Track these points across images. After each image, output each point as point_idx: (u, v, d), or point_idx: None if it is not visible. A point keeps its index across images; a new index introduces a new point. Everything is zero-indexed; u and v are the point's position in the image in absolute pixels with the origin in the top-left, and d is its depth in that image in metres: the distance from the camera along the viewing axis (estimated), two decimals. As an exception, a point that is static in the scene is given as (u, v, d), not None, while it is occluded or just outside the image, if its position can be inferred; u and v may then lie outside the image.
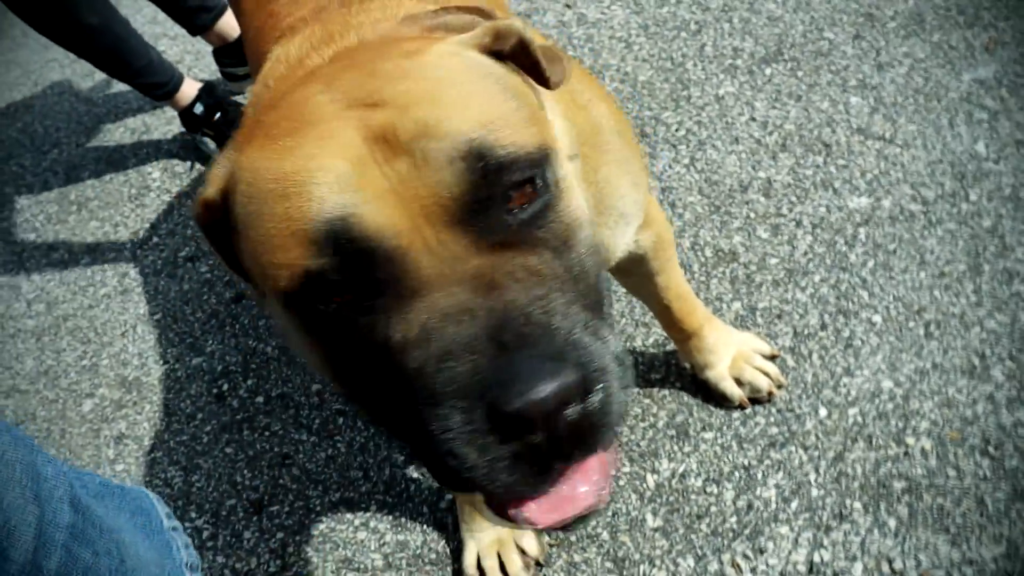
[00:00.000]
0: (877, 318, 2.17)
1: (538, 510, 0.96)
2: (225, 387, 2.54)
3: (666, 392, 2.17)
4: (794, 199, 2.44)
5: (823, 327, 2.18)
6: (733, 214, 2.45)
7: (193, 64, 3.76)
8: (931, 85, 2.57)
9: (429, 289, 0.92)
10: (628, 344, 2.27)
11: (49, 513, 1.55)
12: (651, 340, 2.26)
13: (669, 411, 2.14)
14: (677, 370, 2.19)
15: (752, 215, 2.44)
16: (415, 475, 2.21)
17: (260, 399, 2.48)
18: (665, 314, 2.02)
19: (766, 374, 2.10)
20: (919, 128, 2.48)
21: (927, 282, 2.19)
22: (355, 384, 1.02)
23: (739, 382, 2.11)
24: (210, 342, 2.66)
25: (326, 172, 0.93)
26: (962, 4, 2.75)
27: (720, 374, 2.11)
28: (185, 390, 2.58)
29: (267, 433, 2.40)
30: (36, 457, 1.57)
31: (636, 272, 1.87)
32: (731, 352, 2.11)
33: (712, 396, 2.14)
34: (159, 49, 3.75)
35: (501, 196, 0.96)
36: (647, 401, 2.17)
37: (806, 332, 2.18)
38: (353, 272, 0.93)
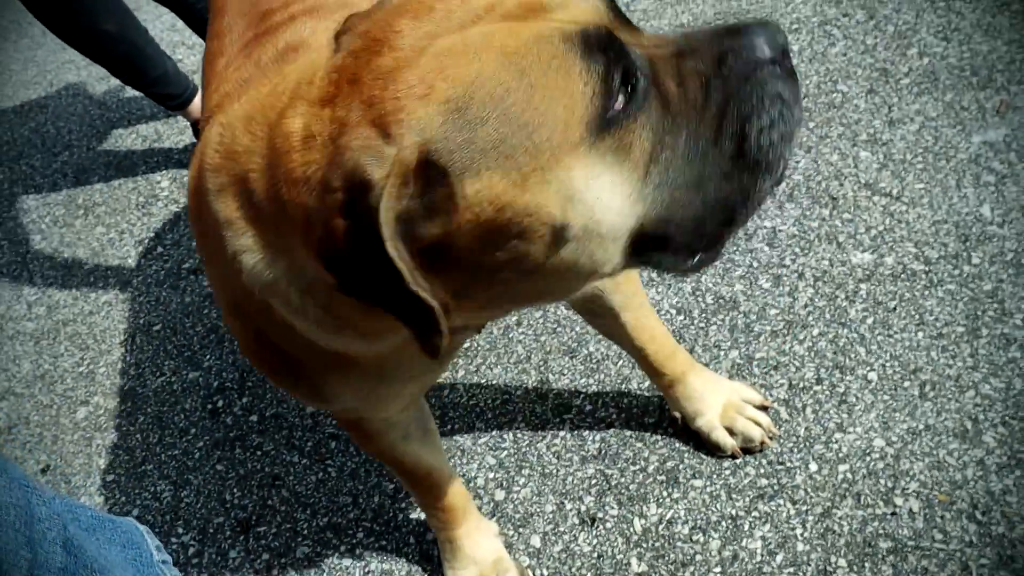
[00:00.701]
0: (873, 375, 2.17)
1: None
2: (220, 403, 2.55)
3: (658, 437, 2.17)
4: (798, 250, 2.45)
5: (819, 381, 2.19)
6: (736, 262, 2.46)
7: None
8: (941, 144, 2.58)
9: (658, 57, 1.11)
10: (623, 386, 2.28)
11: (42, 556, 1.55)
12: (646, 384, 2.27)
13: (660, 456, 2.14)
14: (671, 415, 2.20)
15: (755, 264, 2.45)
16: (403, 504, 2.22)
17: (254, 418, 2.49)
18: (642, 358, 2.02)
19: (758, 424, 2.10)
20: (926, 187, 2.49)
21: (925, 342, 2.19)
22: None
23: (731, 431, 2.10)
24: (208, 357, 2.67)
25: (546, 30, 1.03)
26: (976, 65, 2.76)
27: (711, 423, 2.10)
28: (180, 404, 2.58)
29: (259, 453, 2.41)
30: (31, 497, 1.57)
31: (600, 311, 1.87)
32: (720, 400, 2.10)
33: (703, 445, 2.14)
34: (176, 57, 3.79)
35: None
36: (639, 445, 2.17)
37: (801, 385, 2.19)
38: (615, 61, 1.04)
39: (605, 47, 1.03)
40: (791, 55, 1.13)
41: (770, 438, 2.10)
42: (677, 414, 2.17)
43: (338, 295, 1.11)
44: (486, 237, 1.04)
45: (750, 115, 1.09)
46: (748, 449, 2.10)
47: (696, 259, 1.17)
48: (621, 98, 1.04)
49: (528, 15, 1.05)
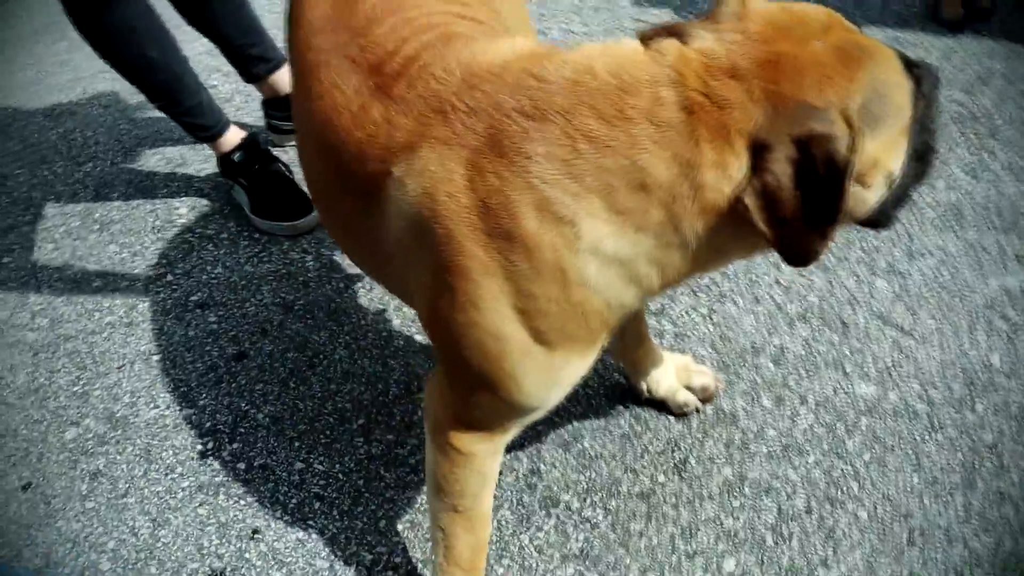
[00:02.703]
0: (863, 513, 2.17)
1: None
2: (210, 445, 2.54)
3: (642, 547, 2.17)
4: (803, 373, 2.45)
5: (808, 511, 2.18)
6: (741, 376, 2.47)
7: (243, 105, 3.80)
8: (957, 284, 2.59)
9: None
10: (613, 487, 2.27)
11: None
12: (636, 488, 2.26)
13: (641, 566, 2.14)
14: (659, 525, 2.19)
15: (759, 381, 2.45)
16: (379, 578, 2.21)
17: (242, 465, 2.48)
18: (630, 336, 2.29)
19: (704, 375, 2.45)
20: (938, 325, 2.50)
21: (919, 487, 2.19)
22: None
23: (690, 389, 2.43)
24: (204, 395, 2.67)
25: (880, 43, 1.47)
26: (1002, 207, 2.78)
27: (674, 386, 2.41)
28: (170, 439, 2.57)
29: (242, 502, 2.40)
30: None
31: None
32: (673, 368, 2.42)
33: (668, 410, 2.42)
34: (211, 84, 3.81)
35: None
36: (621, 551, 2.17)
37: (790, 512, 2.19)
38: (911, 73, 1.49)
39: (912, 67, 1.47)
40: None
41: (718, 381, 2.47)
42: (643, 385, 2.42)
43: (686, 255, 1.45)
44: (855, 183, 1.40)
45: (934, 119, 1.55)
46: (706, 398, 2.44)
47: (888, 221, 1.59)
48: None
49: (850, 32, 1.44)
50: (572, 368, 1.63)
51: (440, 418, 1.81)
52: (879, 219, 1.56)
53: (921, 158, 1.55)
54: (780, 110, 1.33)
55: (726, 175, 1.36)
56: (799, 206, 1.35)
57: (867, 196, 1.46)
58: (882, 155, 1.43)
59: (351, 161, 1.66)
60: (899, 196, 1.55)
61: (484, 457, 1.81)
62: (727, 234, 1.42)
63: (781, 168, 1.33)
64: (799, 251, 1.40)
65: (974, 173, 2.91)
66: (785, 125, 1.33)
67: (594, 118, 1.40)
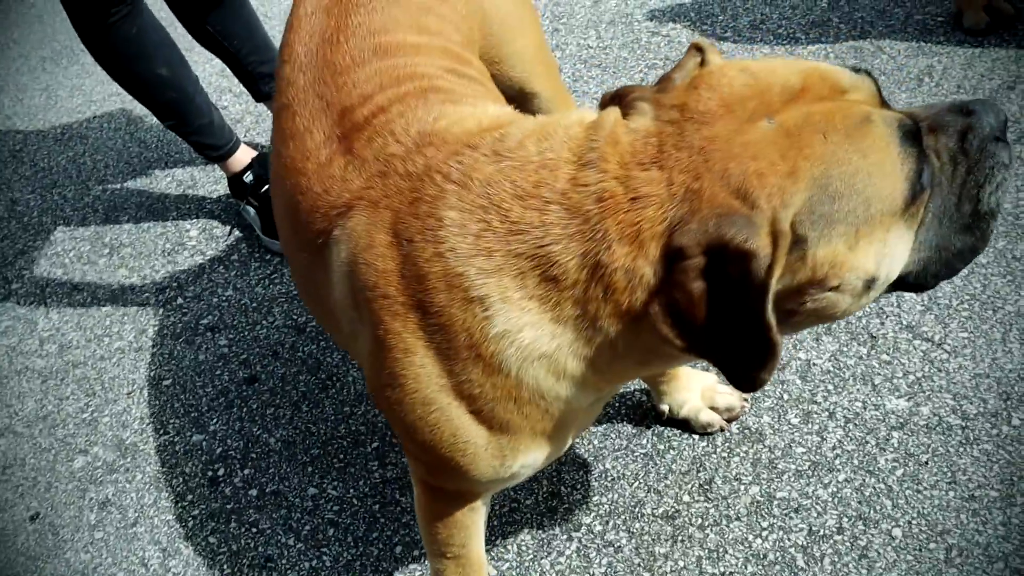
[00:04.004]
0: (897, 532, 2.08)
1: None
2: (221, 472, 2.48)
3: (668, 569, 2.09)
4: (831, 388, 2.37)
5: (840, 531, 2.10)
6: (766, 392, 2.39)
7: (253, 126, 3.76)
8: (988, 294, 2.51)
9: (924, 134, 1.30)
10: (636, 509, 2.19)
11: None
12: (660, 510, 2.18)
13: (668, 590, 2.06)
14: (684, 547, 2.11)
15: (786, 396, 2.37)
16: (396, 607, 2.14)
17: (254, 492, 2.41)
18: None
19: (728, 396, 2.33)
20: (970, 337, 2.42)
21: (955, 503, 2.11)
22: None
23: (714, 410, 2.32)
24: (214, 421, 2.61)
25: (867, 113, 1.22)
26: (1031, 215, 2.70)
27: (697, 406, 2.31)
28: (180, 467, 2.51)
29: (254, 530, 2.33)
30: None
31: None
32: (698, 389, 2.32)
33: (692, 430, 2.33)
34: (222, 104, 3.77)
35: None
36: (646, 575, 2.09)
37: (822, 533, 2.10)
38: (918, 148, 1.25)
39: (915, 137, 1.24)
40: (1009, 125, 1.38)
41: (745, 400, 2.35)
42: (665, 407, 2.33)
43: (615, 353, 1.32)
44: (809, 289, 1.24)
45: (984, 182, 1.31)
46: (732, 418, 2.33)
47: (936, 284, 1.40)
48: (922, 177, 1.25)
49: (836, 95, 1.24)
50: (530, 455, 1.53)
51: (414, 475, 1.76)
52: (915, 288, 1.41)
53: (968, 229, 1.33)
54: (697, 212, 1.17)
55: (638, 280, 1.23)
56: (718, 328, 1.19)
57: (840, 301, 1.27)
58: (848, 257, 1.21)
59: (306, 213, 1.61)
60: (938, 275, 1.37)
61: (462, 515, 1.74)
62: (659, 340, 1.26)
63: (692, 282, 1.17)
64: (736, 376, 1.26)
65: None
66: (699, 231, 1.16)
67: (511, 194, 1.31)
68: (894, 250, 1.25)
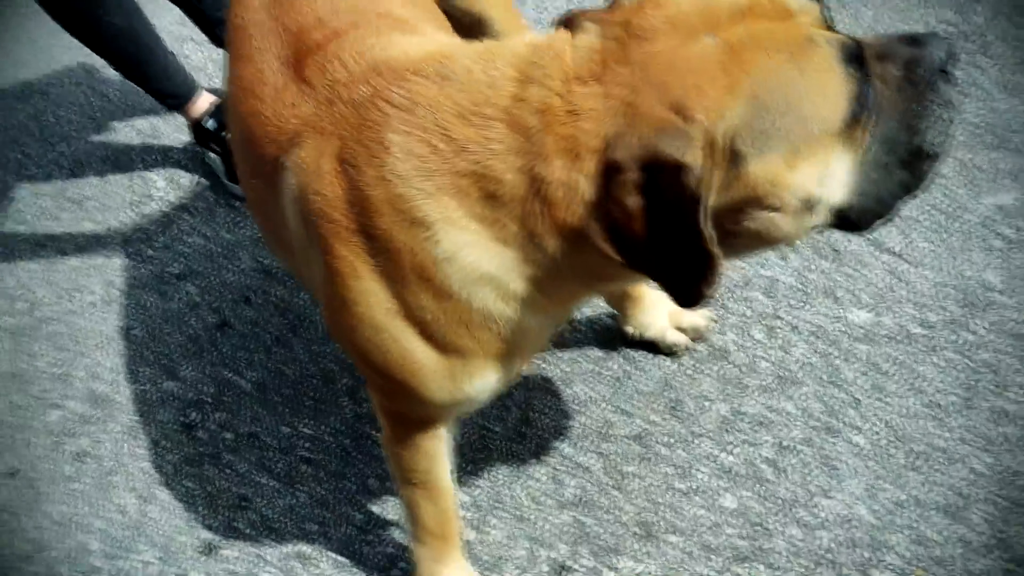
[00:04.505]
0: (862, 441, 2.11)
1: None
2: (194, 417, 2.49)
3: (636, 487, 2.12)
4: (795, 303, 2.39)
5: (806, 442, 2.13)
6: (730, 309, 2.40)
7: (215, 73, 3.71)
8: (951, 204, 2.51)
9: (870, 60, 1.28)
10: (606, 430, 2.22)
11: None
12: (628, 431, 2.21)
13: (638, 507, 2.09)
14: (653, 466, 2.14)
15: (750, 313, 2.39)
16: (371, 537, 2.16)
17: (228, 435, 2.43)
18: None
19: (694, 316, 2.35)
20: (932, 247, 2.43)
21: (918, 410, 2.13)
22: None
23: (680, 330, 2.33)
24: (186, 367, 2.61)
25: (811, 34, 1.22)
26: (995, 124, 2.70)
27: (664, 327, 2.32)
28: (154, 415, 2.53)
29: (230, 471, 2.35)
30: None
31: None
32: (664, 310, 2.32)
33: (659, 351, 2.35)
34: (184, 53, 3.72)
35: None
36: (617, 494, 2.12)
37: (788, 445, 2.13)
38: (861, 71, 1.24)
39: (859, 59, 1.23)
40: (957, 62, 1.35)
41: (711, 320, 2.37)
42: (631, 329, 2.34)
43: (560, 272, 1.32)
44: (748, 207, 1.23)
45: (928, 116, 1.29)
46: (698, 338, 2.35)
47: (874, 226, 1.37)
48: (865, 100, 1.23)
49: (782, 17, 1.23)
50: (483, 378, 1.54)
51: (375, 402, 1.78)
52: (853, 226, 1.37)
53: (908, 165, 1.32)
54: (633, 126, 1.17)
55: (576, 195, 1.23)
56: (656, 244, 1.19)
57: (780, 222, 1.26)
58: (786, 175, 1.21)
59: (258, 139, 1.60)
60: (875, 211, 1.34)
61: (424, 440, 1.75)
62: (601, 258, 1.26)
63: (628, 197, 1.17)
64: (678, 292, 1.27)
65: (965, 91, 2.83)
66: (635, 146, 1.16)
67: (455, 114, 1.31)
68: (834, 171, 1.25)
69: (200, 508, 2.30)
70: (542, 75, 1.26)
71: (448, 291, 1.37)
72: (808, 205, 1.25)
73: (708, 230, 1.16)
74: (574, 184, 1.22)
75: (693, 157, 1.13)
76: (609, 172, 1.18)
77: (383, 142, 1.36)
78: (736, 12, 1.21)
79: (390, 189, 1.34)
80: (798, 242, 1.39)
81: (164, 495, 2.34)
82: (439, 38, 1.63)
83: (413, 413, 1.69)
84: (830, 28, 1.29)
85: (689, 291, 1.25)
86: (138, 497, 2.35)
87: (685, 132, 1.14)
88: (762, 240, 1.30)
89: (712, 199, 1.19)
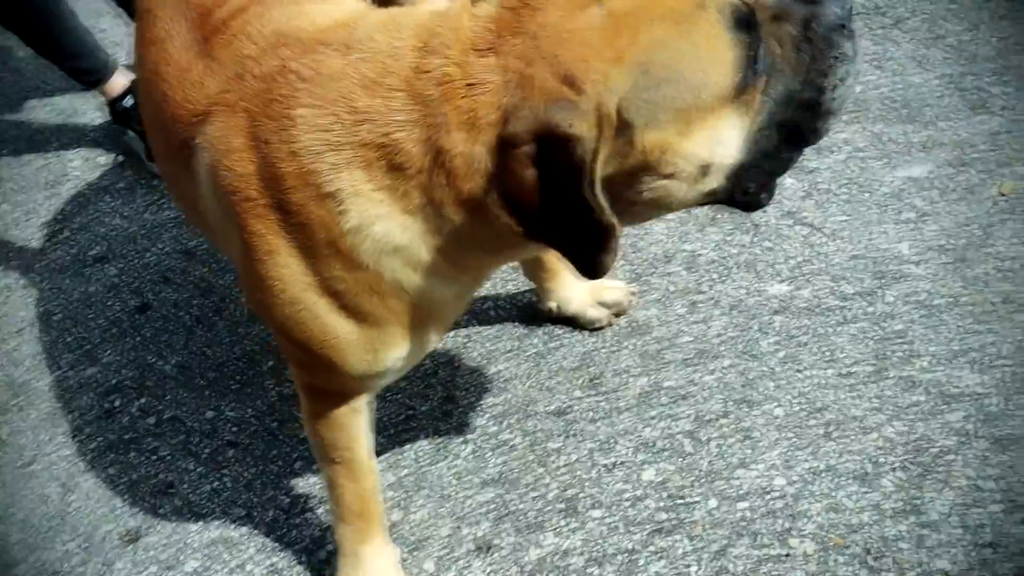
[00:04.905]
0: (779, 411, 2.15)
1: None
2: (116, 403, 2.47)
3: (560, 464, 2.14)
4: (715, 277, 2.42)
5: (725, 414, 2.17)
6: (653, 285, 2.43)
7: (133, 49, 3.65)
8: (865, 176, 2.56)
9: (765, 21, 1.30)
10: (529, 407, 2.24)
11: None
12: (552, 407, 2.23)
13: (561, 483, 2.11)
14: (576, 441, 2.17)
15: (672, 288, 2.42)
16: (297, 521, 2.16)
17: (151, 420, 2.41)
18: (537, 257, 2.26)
19: (615, 290, 2.38)
20: (848, 219, 2.48)
21: (832, 381, 2.18)
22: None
23: (602, 305, 2.36)
24: (108, 352, 2.58)
25: (711, 2, 1.22)
26: (908, 97, 2.75)
27: (585, 302, 2.35)
28: (75, 401, 2.50)
29: (154, 457, 2.34)
30: None
31: None
32: (586, 284, 2.35)
33: (581, 326, 2.38)
34: (100, 28, 3.67)
35: None
36: (540, 470, 2.14)
37: (707, 418, 2.17)
38: (751, 35, 1.24)
39: (748, 24, 1.24)
40: (854, 16, 1.35)
41: (632, 294, 2.40)
42: (552, 304, 2.37)
43: (465, 242, 1.34)
44: (642, 175, 1.25)
45: (828, 72, 1.30)
46: (619, 313, 2.38)
47: (759, 200, 1.40)
48: (754, 64, 1.25)
49: None
50: (399, 348, 1.56)
51: (296, 378, 1.79)
52: (743, 203, 1.39)
53: (807, 121, 1.34)
54: (528, 99, 1.19)
55: (476, 166, 1.25)
56: (550, 214, 1.21)
57: (675, 188, 1.28)
58: (678, 143, 1.23)
59: (170, 121, 1.60)
60: (770, 170, 1.37)
61: (344, 416, 1.76)
62: (503, 228, 1.28)
63: (523, 169, 1.19)
64: (577, 262, 1.29)
65: (879, 64, 2.88)
66: (529, 118, 1.17)
67: (359, 85, 1.32)
68: (727, 136, 1.26)
69: (125, 495, 2.28)
70: (441, 45, 1.27)
71: (359, 262, 1.39)
72: (703, 171, 1.27)
73: (600, 200, 1.19)
74: (474, 156, 1.24)
75: (583, 129, 1.15)
76: (504, 144, 1.20)
77: (291, 116, 1.36)
78: None
79: (300, 163, 1.35)
80: (694, 206, 1.37)
81: (87, 483, 2.32)
82: (348, 5, 1.62)
83: (333, 386, 1.70)
84: None
85: (588, 261, 1.27)
86: (61, 485, 2.33)
87: (575, 104, 1.16)
88: (659, 206, 1.32)
89: (605, 169, 1.21)
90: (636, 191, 1.27)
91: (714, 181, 1.30)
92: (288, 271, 1.44)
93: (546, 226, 1.23)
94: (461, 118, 1.23)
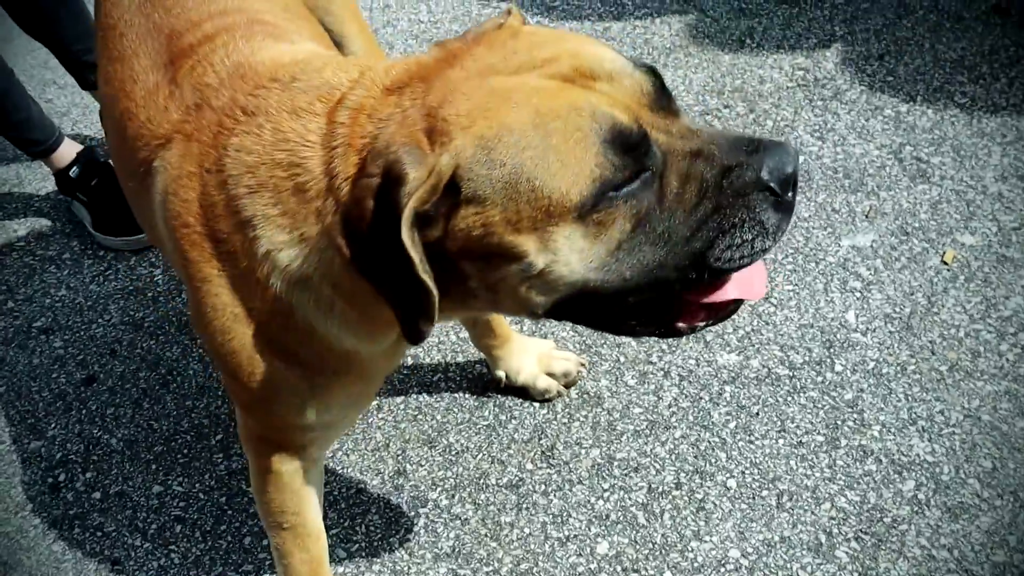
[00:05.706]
0: (732, 482, 2.16)
1: (752, 279, 1.32)
2: (62, 477, 2.41)
3: (513, 538, 2.13)
4: (665, 347, 2.44)
5: (678, 486, 2.17)
6: (604, 356, 2.44)
7: (80, 119, 3.64)
8: (811, 246, 2.61)
9: (676, 153, 1.23)
10: (481, 481, 2.23)
11: None
12: (504, 480, 2.22)
13: (514, 558, 2.10)
14: (529, 514, 2.15)
15: (622, 359, 2.43)
16: (247, 599, 2.13)
17: (97, 495, 2.36)
18: (484, 324, 2.26)
19: (567, 360, 2.38)
20: (795, 289, 2.51)
21: (784, 450, 2.20)
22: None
23: (552, 376, 2.36)
24: (53, 425, 2.54)
25: (583, 103, 1.18)
26: (849, 168, 2.81)
27: (534, 373, 2.35)
28: (18, 475, 2.44)
29: (99, 534, 2.29)
30: None
31: None
32: (535, 355, 2.36)
33: (532, 397, 2.38)
34: (46, 97, 3.65)
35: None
36: (493, 545, 2.12)
37: (660, 489, 2.17)
38: (632, 159, 1.19)
39: (629, 148, 1.19)
40: (798, 187, 1.29)
41: (582, 365, 2.40)
42: (502, 373, 2.36)
43: (360, 284, 1.28)
44: (468, 250, 1.23)
45: (727, 231, 1.22)
46: (569, 383, 2.39)
47: (674, 328, 1.35)
48: (624, 188, 1.19)
49: (577, 79, 1.22)
50: (322, 394, 1.55)
51: (242, 435, 1.77)
52: (624, 330, 1.35)
53: (687, 266, 1.24)
54: (395, 136, 1.21)
55: (355, 192, 1.25)
56: (374, 254, 1.21)
57: (507, 278, 1.24)
58: (504, 231, 1.19)
59: (132, 140, 1.61)
60: (626, 292, 1.27)
61: (292, 475, 1.74)
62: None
63: (364, 197, 1.20)
64: (401, 320, 1.27)
65: (820, 135, 2.94)
66: (384, 154, 1.19)
67: (288, 111, 1.35)
68: (560, 248, 1.21)
69: (68, 574, 2.22)
70: (368, 81, 1.32)
71: (272, 293, 1.38)
72: (529, 272, 1.23)
73: (414, 252, 1.18)
74: (350, 179, 1.26)
75: (415, 175, 1.16)
76: (359, 170, 1.23)
77: (226, 145, 1.39)
78: (532, 63, 1.24)
79: (228, 192, 1.37)
80: (537, 316, 1.32)
81: (30, 561, 2.26)
82: (310, 47, 1.65)
83: (273, 433, 1.68)
84: (660, 108, 1.26)
85: (410, 321, 1.25)
86: (1, 564, 2.26)
87: (420, 152, 1.18)
88: (501, 295, 1.29)
89: (432, 229, 1.21)
90: (472, 267, 1.26)
91: (563, 290, 1.25)
92: (219, 300, 1.44)
93: (371, 263, 1.22)
94: (354, 146, 1.26)
